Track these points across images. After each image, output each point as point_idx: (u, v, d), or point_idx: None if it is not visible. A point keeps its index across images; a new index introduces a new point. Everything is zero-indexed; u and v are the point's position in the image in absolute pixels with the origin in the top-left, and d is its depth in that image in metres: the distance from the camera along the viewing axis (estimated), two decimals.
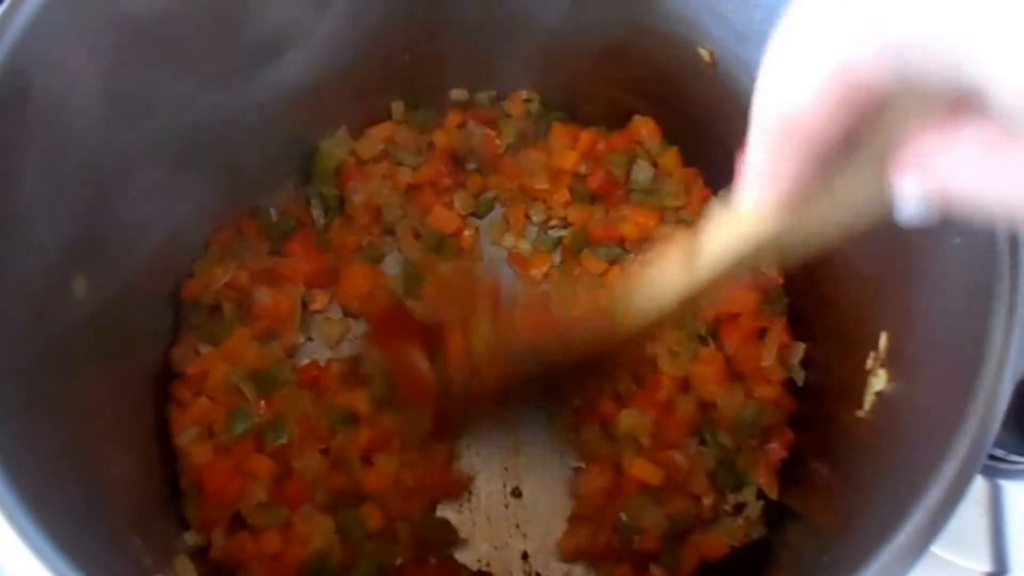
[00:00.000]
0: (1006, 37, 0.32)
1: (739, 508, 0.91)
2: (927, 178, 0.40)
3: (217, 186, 0.94)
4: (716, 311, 0.94)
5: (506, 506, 0.94)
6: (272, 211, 1.01)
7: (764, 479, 0.91)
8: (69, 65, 0.71)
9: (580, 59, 0.99)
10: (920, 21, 0.34)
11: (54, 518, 0.60)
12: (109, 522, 0.73)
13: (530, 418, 0.97)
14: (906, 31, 0.34)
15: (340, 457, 0.90)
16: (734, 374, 0.93)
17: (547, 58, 1.00)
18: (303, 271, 0.97)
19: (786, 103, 0.40)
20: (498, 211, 1.05)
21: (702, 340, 0.94)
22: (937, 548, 0.60)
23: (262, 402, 0.91)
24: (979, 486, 0.88)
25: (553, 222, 1.03)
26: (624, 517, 0.90)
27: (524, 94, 1.05)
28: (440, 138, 1.04)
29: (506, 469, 0.95)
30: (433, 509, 0.93)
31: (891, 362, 0.77)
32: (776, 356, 0.93)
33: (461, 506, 0.94)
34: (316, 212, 1.01)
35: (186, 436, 0.89)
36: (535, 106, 1.05)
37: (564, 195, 1.02)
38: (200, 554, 0.85)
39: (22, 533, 0.58)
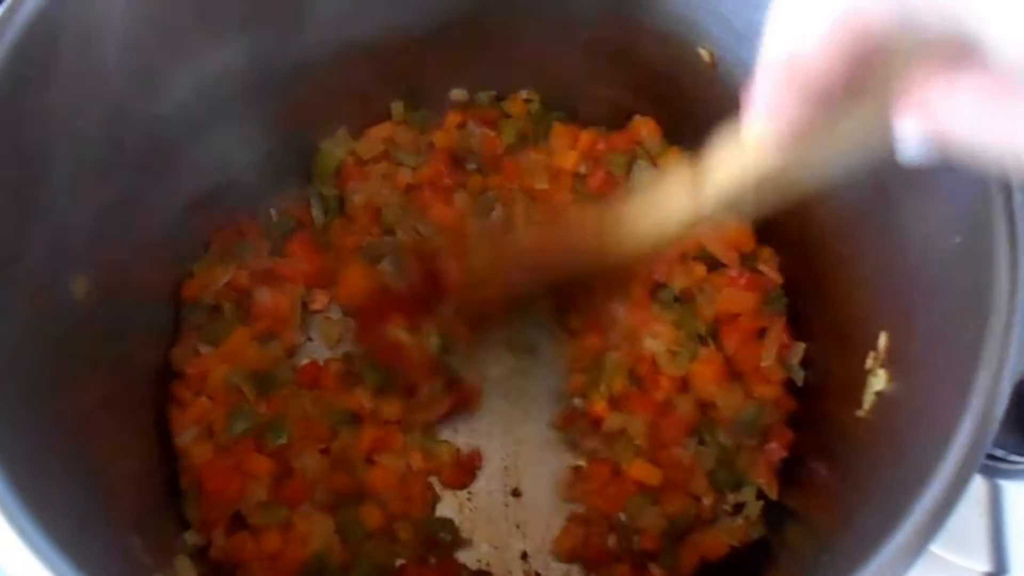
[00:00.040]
0: None
1: (738, 508, 0.92)
2: (927, 122, 0.41)
3: (218, 186, 0.94)
4: (716, 311, 0.94)
5: (506, 506, 0.94)
6: (272, 211, 1.01)
7: (763, 479, 0.91)
8: (72, 59, 0.72)
9: (580, 59, 0.99)
10: None
11: (54, 518, 0.60)
12: (109, 522, 0.73)
13: (530, 418, 0.97)
14: None
15: (341, 457, 0.90)
16: (734, 374, 0.93)
17: (547, 58, 1.00)
18: (303, 271, 0.97)
19: (793, 46, 0.41)
20: (498, 211, 1.05)
21: (702, 340, 0.94)
22: (936, 548, 0.61)
23: (262, 402, 0.91)
24: (978, 486, 0.89)
25: None
26: (623, 517, 0.90)
27: (524, 94, 1.05)
28: (440, 138, 1.04)
29: (506, 469, 0.96)
30: (433, 509, 0.93)
31: (891, 362, 0.77)
32: (776, 356, 0.93)
33: (461, 506, 0.94)
34: (316, 212, 1.01)
35: (186, 436, 0.89)
36: (535, 106, 1.05)
37: (564, 195, 1.02)
38: (200, 554, 0.85)
39: (22, 533, 0.58)
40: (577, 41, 0.97)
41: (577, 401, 0.95)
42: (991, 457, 0.89)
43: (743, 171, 0.54)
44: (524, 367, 1.00)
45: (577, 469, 0.94)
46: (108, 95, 0.76)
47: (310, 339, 0.99)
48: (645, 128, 1.02)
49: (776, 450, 0.91)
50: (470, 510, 0.94)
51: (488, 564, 0.92)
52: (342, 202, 1.01)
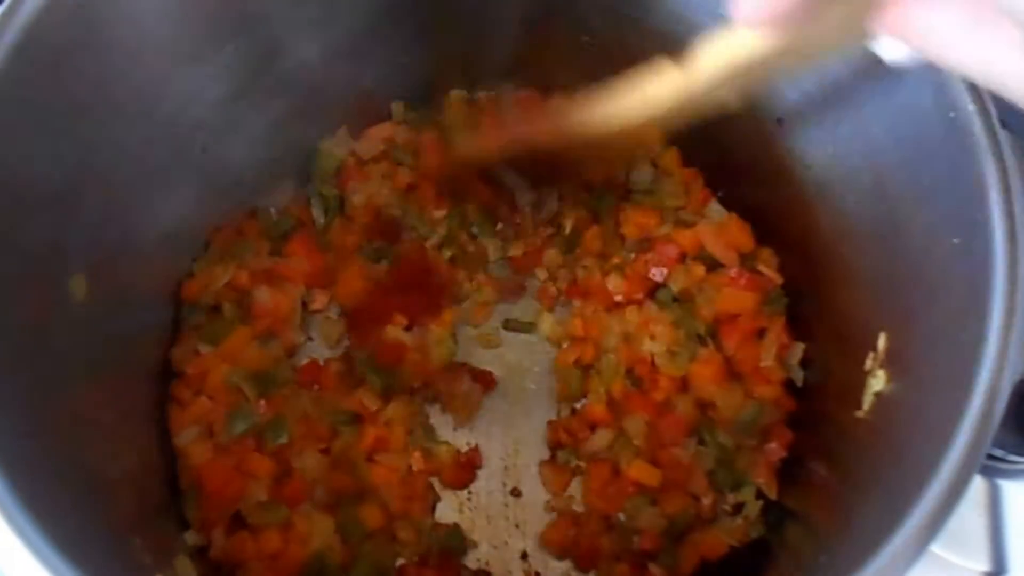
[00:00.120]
0: None
1: (738, 508, 0.92)
2: (904, 33, 0.44)
3: (217, 185, 0.94)
4: (715, 311, 0.94)
5: (506, 505, 0.94)
6: (272, 211, 1.01)
7: (763, 479, 0.91)
8: (71, 59, 0.72)
9: (580, 60, 0.99)
10: None
11: (53, 518, 0.60)
12: (109, 522, 0.73)
13: (530, 418, 0.98)
14: None
15: (341, 457, 0.90)
16: (733, 374, 0.93)
17: (546, 59, 1.00)
18: (303, 271, 0.97)
19: None
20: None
21: (701, 340, 0.94)
22: (936, 547, 0.61)
23: (262, 402, 0.91)
24: (978, 486, 0.89)
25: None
26: (622, 517, 0.91)
27: (524, 94, 1.05)
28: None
29: (506, 469, 0.96)
30: (433, 509, 0.93)
31: (890, 362, 0.77)
32: (775, 356, 0.93)
33: (461, 506, 0.94)
34: (316, 212, 1.01)
35: (186, 436, 0.89)
36: None
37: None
38: (200, 554, 0.85)
39: (21, 533, 0.58)
40: (578, 41, 0.97)
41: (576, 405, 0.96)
42: (991, 457, 0.89)
43: (733, 54, 0.57)
44: (524, 367, 1.00)
45: (576, 468, 0.94)
46: (108, 95, 0.76)
47: (310, 339, 0.99)
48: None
49: (775, 450, 0.91)
50: (470, 510, 0.94)
51: (488, 563, 0.92)
52: (342, 202, 1.01)
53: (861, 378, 0.79)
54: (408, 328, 0.96)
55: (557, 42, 0.98)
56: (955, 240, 0.68)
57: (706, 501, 0.90)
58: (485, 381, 0.97)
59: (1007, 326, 0.63)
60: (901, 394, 0.75)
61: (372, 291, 0.97)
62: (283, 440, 0.89)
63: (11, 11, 0.67)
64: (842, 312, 0.87)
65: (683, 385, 0.93)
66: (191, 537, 0.86)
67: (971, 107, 0.67)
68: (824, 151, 0.87)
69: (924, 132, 0.72)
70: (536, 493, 0.95)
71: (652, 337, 0.94)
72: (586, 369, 0.96)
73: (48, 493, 0.63)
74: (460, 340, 0.98)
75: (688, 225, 0.98)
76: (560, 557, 0.92)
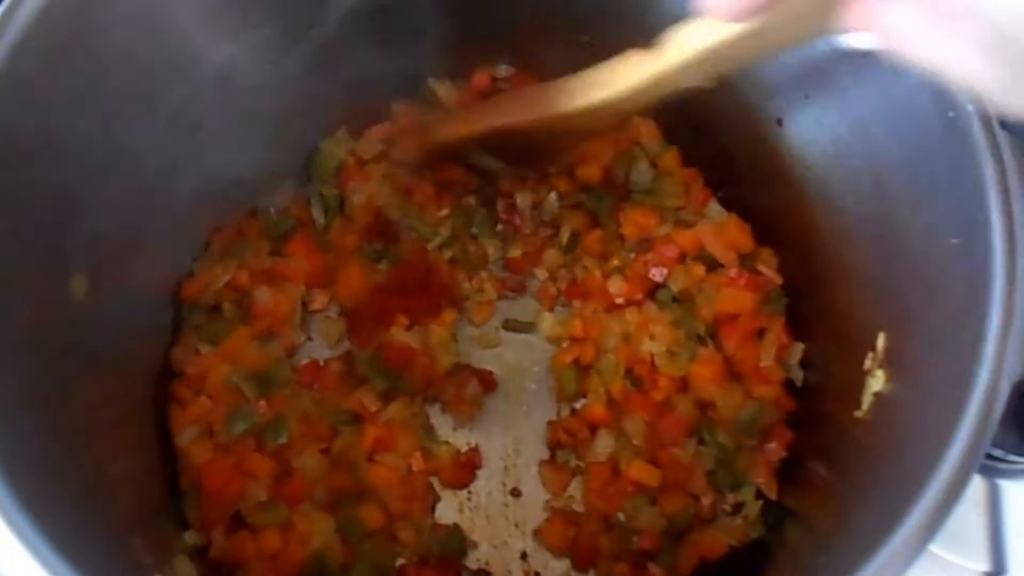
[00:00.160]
0: None
1: (738, 508, 0.92)
2: (869, 27, 0.46)
3: (217, 185, 0.94)
4: (715, 311, 0.94)
5: (505, 505, 0.94)
6: (272, 211, 1.01)
7: (763, 479, 0.91)
8: (71, 59, 0.72)
9: (579, 60, 0.99)
10: None
11: (53, 518, 0.60)
12: (109, 522, 0.73)
13: (530, 418, 0.98)
14: None
15: (341, 456, 0.90)
16: (733, 374, 0.93)
17: (547, 58, 1.00)
18: (303, 271, 0.97)
19: None
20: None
21: (701, 340, 0.94)
22: (936, 547, 0.61)
23: (262, 402, 0.91)
24: (978, 486, 0.89)
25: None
26: (622, 517, 0.91)
27: (519, 77, 1.05)
28: None
29: (506, 469, 0.96)
30: (433, 509, 0.93)
31: (889, 363, 0.77)
32: (775, 356, 0.93)
33: (461, 506, 0.94)
34: (316, 212, 1.01)
35: (186, 436, 0.89)
36: None
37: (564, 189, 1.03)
38: (200, 554, 0.85)
39: (19, 534, 0.58)
40: (578, 41, 0.97)
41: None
42: (990, 457, 0.89)
43: (703, 40, 0.61)
44: (524, 367, 1.00)
45: (576, 468, 0.94)
46: (108, 95, 0.76)
47: (310, 339, 0.99)
48: (645, 128, 1.02)
49: (775, 450, 0.91)
50: (470, 510, 0.94)
51: (488, 563, 0.92)
52: (342, 202, 1.01)
53: (860, 378, 0.79)
54: (408, 328, 0.96)
55: (558, 42, 0.98)
56: (954, 240, 0.68)
57: (706, 501, 0.90)
58: (486, 382, 0.97)
59: (1006, 326, 0.63)
60: (900, 394, 0.75)
61: (372, 291, 0.97)
62: (283, 440, 0.89)
63: (11, 11, 0.67)
64: (841, 312, 0.87)
65: (683, 385, 0.93)
66: (191, 537, 0.86)
67: (971, 107, 0.68)
68: (824, 151, 0.87)
69: (923, 132, 0.72)
70: (536, 493, 0.95)
71: (652, 337, 0.94)
72: (586, 369, 0.96)
73: (47, 493, 0.63)
74: (460, 340, 0.98)
75: (688, 225, 0.98)
76: (558, 555, 0.92)
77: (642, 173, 1.01)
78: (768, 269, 0.96)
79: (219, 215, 0.98)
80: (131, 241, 0.85)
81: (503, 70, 1.05)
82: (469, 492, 0.95)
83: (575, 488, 0.94)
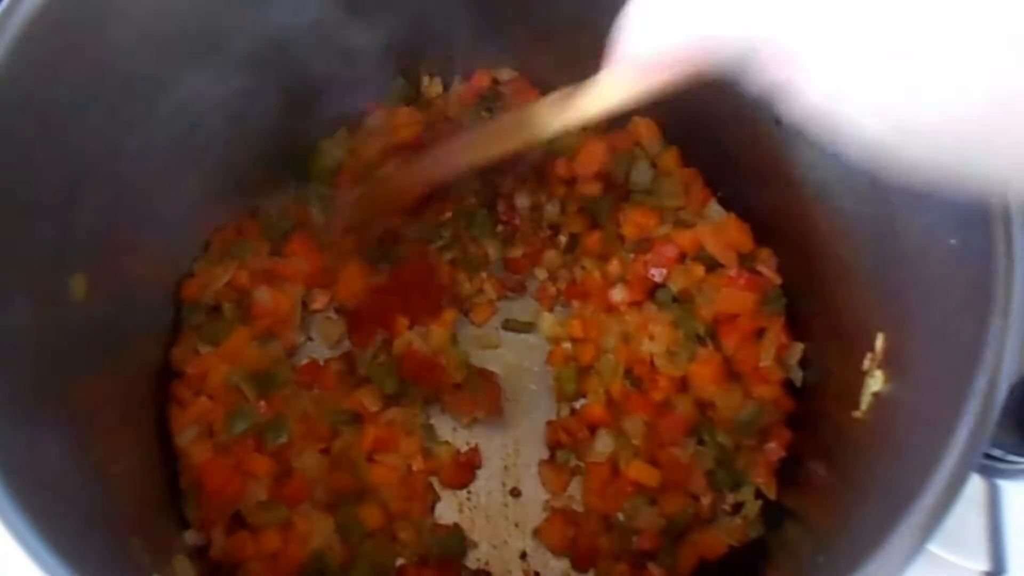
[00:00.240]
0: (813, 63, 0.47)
1: (737, 507, 0.92)
2: (779, 100, 0.52)
3: (217, 185, 0.94)
4: (714, 311, 0.94)
5: (505, 505, 0.95)
6: (272, 211, 1.01)
7: (762, 479, 0.91)
8: (71, 59, 0.72)
9: (579, 60, 0.99)
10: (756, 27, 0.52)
11: (52, 519, 0.60)
12: (109, 522, 0.73)
13: (529, 417, 0.98)
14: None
15: (341, 456, 0.90)
16: (732, 374, 0.93)
17: (546, 59, 1.00)
18: (303, 271, 0.97)
19: (648, 48, 0.59)
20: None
21: (700, 340, 0.94)
22: (935, 547, 0.61)
23: (262, 402, 0.91)
24: (977, 485, 0.89)
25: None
26: (621, 517, 0.91)
27: (517, 81, 1.05)
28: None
29: (506, 469, 0.96)
30: (433, 509, 0.93)
31: (888, 363, 0.77)
32: (774, 356, 0.93)
33: (461, 506, 0.94)
34: (316, 212, 1.01)
35: (186, 436, 0.89)
36: None
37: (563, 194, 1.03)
38: (200, 554, 0.85)
39: (17, 534, 0.58)
40: (576, 42, 0.97)
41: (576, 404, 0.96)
42: (989, 457, 0.89)
43: (617, 91, 0.68)
44: (524, 367, 1.00)
45: (576, 468, 0.94)
46: (107, 95, 0.76)
47: (310, 339, 0.99)
48: (644, 128, 1.02)
49: (775, 450, 0.91)
50: (470, 510, 0.94)
51: (487, 563, 0.92)
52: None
53: (859, 378, 0.79)
54: (408, 328, 0.96)
55: (558, 42, 0.98)
56: (953, 240, 0.68)
57: (705, 501, 0.90)
58: (491, 388, 0.97)
59: (1004, 327, 0.62)
60: (899, 394, 0.75)
61: (372, 291, 0.97)
62: (283, 440, 0.89)
63: (11, 11, 0.67)
64: (840, 312, 0.87)
65: (682, 385, 0.93)
66: (191, 537, 0.86)
67: None
68: (823, 151, 0.87)
69: None
70: (536, 493, 0.95)
71: (651, 337, 0.94)
72: (586, 369, 0.96)
73: (47, 493, 0.63)
74: (460, 340, 0.98)
75: (687, 225, 0.98)
76: (558, 555, 0.92)
77: (642, 173, 1.01)
78: (767, 269, 0.96)
79: (219, 215, 0.98)
80: (131, 241, 0.85)
81: (505, 73, 1.05)
82: (469, 492, 0.95)
83: (575, 488, 0.94)
